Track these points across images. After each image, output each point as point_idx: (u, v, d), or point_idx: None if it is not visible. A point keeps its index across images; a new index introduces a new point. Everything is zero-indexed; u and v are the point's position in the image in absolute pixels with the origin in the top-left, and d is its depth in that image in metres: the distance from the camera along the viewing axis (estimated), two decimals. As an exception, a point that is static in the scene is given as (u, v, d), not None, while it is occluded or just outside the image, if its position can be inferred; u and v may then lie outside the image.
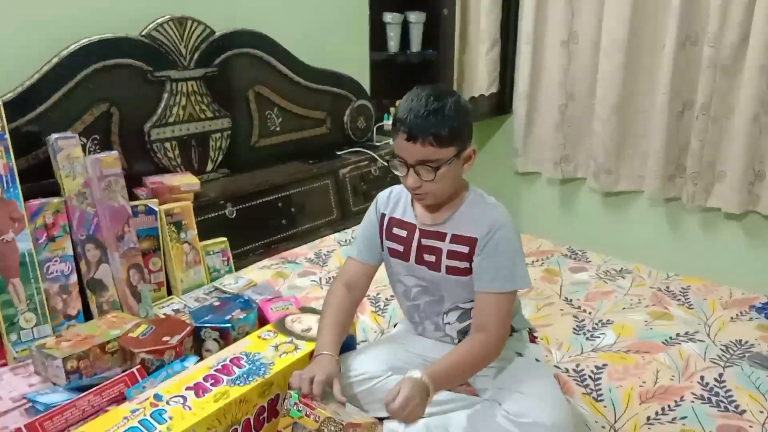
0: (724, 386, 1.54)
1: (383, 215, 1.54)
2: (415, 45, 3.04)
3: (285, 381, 1.37)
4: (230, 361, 1.40)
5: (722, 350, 1.68)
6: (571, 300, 1.99)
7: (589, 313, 1.90)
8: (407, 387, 1.30)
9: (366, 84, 2.95)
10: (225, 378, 1.34)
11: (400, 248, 1.51)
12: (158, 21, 2.16)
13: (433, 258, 1.46)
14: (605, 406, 1.49)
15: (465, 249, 1.42)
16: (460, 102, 1.36)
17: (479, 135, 3.40)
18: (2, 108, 1.73)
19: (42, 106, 1.94)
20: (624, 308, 1.92)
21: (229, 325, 1.64)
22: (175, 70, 2.23)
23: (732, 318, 1.85)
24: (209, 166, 2.40)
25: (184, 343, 1.56)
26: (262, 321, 1.75)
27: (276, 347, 1.46)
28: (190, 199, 2.14)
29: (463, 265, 1.43)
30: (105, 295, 1.87)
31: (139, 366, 1.47)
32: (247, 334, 1.61)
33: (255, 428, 1.35)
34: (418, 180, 1.36)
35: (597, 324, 1.83)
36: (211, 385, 1.31)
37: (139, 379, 1.43)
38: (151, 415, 1.22)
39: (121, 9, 2.13)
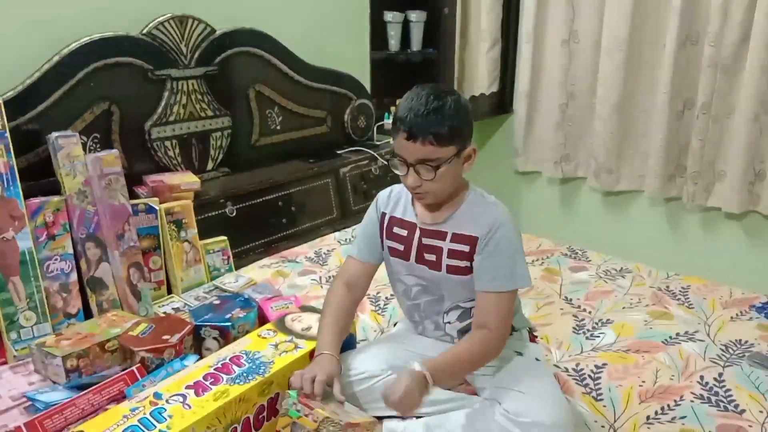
0: (724, 386, 1.54)
1: (383, 214, 1.54)
2: (416, 44, 3.04)
3: (285, 380, 1.37)
4: (230, 359, 1.40)
5: (722, 350, 1.68)
6: (571, 299, 1.99)
7: (589, 312, 1.90)
8: (406, 378, 1.30)
9: (366, 83, 2.95)
10: (225, 377, 1.34)
11: (401, 247, 1.51)
12: (159, 19, 2.16)
13: (433, 257, 1.46)
14: (605, 406, 1.50)
15: (465, 248, 1.42)
16: (460, 101, 1.35)
17: (479, 134, 3.40)
18: (3, 106, 1.73)
19: (42, 105, 1.94)
20: (624, 308, 1.92)
21: (229, 323, 1.64)
22: (175, 68, 2.23)
23: (732, 318, 1.85)
24: (209, 165, 2.40)
25: (184, 342, 1.56)
26: (262, 320, 1.75)
27: (276, 346, 1.46)
28: (191, 198, 2.15)
29: (464, 264, 1.43)
30: (105, 294, 1.87)
31: (138, 364, 1.47)
32: (247, 332, 1.61)
33: (255, 427, 1.35)
34: (418, 179, 1.36)
35: (597, 323, 1.83)
36: (210, 383, 1.31)
37: (139, 377, 1.43)
38: (150, 413, 1.22)
39: (121, 7, 2.13)
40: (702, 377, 1.57)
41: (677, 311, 1.89)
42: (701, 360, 1.64)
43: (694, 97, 2.62)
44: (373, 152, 2.78)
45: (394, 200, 1.54)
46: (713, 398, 1.49)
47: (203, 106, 2.32)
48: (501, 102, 3.31)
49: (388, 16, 2.95)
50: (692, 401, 1.48)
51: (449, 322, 1.52)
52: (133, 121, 2.17)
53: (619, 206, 3.05)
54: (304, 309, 1.69)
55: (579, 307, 1.94)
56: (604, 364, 1.62)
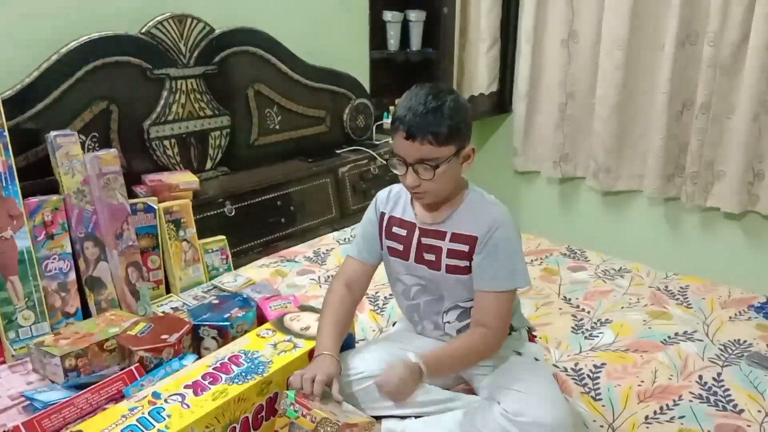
0: (723, 385, 1.54)
1: (383, 214, 1.54)
2: (415, 43, 3.03)
3: (283, 379, 1.37)
4: (229, 359, 1.40)
5: (721, 349, 1.68)
6: (569, 299, 1.99)
7: (588, 312, 1.90)
8: (401, 368, 1.31)
9: (366, 82, 2.95)
10: (223, 376, 1.34)
11: (400, 247, 1.51)
12: (158, 19, 2.16)
13: (432, 257, 1.46)
14: (603, 406, 1.50)
15: (465, 248, 1.42)
16: (459, 100, 1.35)
17: (479, 134, 3.41)
18: (1, 105, 1.73)
19: (41, 104, 1.94)
20: (623, 307, 1.92)
21: (227, 323, 1.64)
22: (174, 67, 2.22)
23: (730, 317, 1.85)
24: (208, 164, 2.40)
25: (183, 341, 1.56)
26: (261, 319, 1.75)
27: (274, 345, 1.46)
28: (189, 197, 2.14)
29: (463, 263, 1.43)
30: (103, 293, 1.87)
31: (137, 364, 1.46)
32: (246, 332, 1.61)
33: (253, 427, 1.35)
34: (417, 179, 1.36)
35: (596, 323, 1.83)
36: (209, 383, 1.31)
37: (138, 377, 1.42)
38: (149, 413, 1.22)
39: (120, 6, 2.13)
40: (701, 377, 1.57)
41: (676, 311, 1.90)
42: (700, 360, 1.64)
43: (694, 97, 2.62)
44: (372, 152, 2.78)
45: (394, 200, 1.54)
46: (712, 398, 1.49)
47: (202, 105, 2.32)
48: (500, 102, 3.31)
49: (388, 15, 2.94)
50: (691, 401, 1.48)
51: (448, 322, 1.52)
52: (132, 120, 2.17)
53: (618, 206, 3.05)
54: (303, 308, 1.69)
55: (578, 306, 1.94)
56: (603, 364, 1.62)
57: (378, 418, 1.42)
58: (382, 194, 1.57)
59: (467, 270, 1.43)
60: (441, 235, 1.45)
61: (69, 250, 1.82)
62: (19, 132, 1.86)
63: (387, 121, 2.98)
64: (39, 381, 1.55)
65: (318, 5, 2.73)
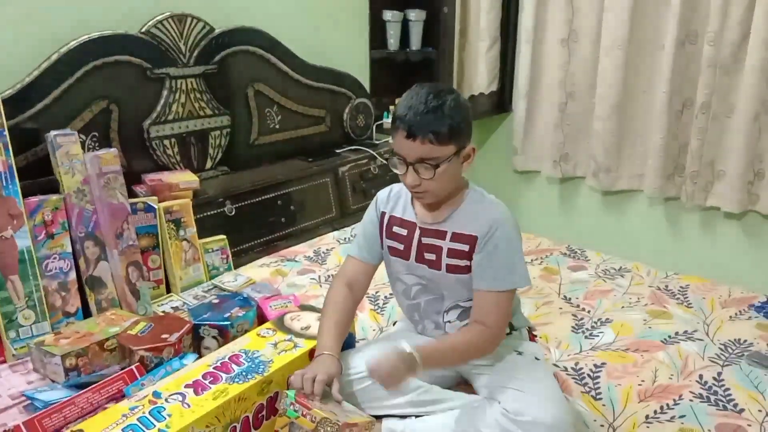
0: (723, 385, 1.54)
1: (383, 214, 1.54)
2: (415, 43, 3.03)
3: (284, 379, 1.37)
4: (229, 358, 1.40)
5: (721, 349, 1.69)
6: (570, 298, 1.99)
7: (588, 311, 1.90)
8: (394, 355, 1.31)
9: (366, 82, 2.95)
10: (224, 376, 1.34)
11: (401, 247, 1.51)
12: (158, 18, 2.16)
13: (433, 256, 1.46)
14: (604, 405, 1.50)
15: (465, 247, 1.42)
16: (459, 100, 1.35)
17: (478, 133, 3.40)
18: (1, 105, 1.73)
19: (41, 103, 1.94)
20: (623, 307, 1.93)
21: (228, 322, 1.64)
22: (174, 67, 2.22)
23: (731, 317, 1.85)
24: (208, 164, 2.40)
25: (183, 341, 1.56)
26: (261, 319, 1.75)
27: (275, 345, 1.46)
28: (189, 197, 2.14)
29: (464, 263, 1.43)
30: (104, 293, 1.87)
31: (137, 363, 1.46)
32: (246, 331, 1.61)
33: (254, 426, 1.35)
34: (418, 178, 1.36)
35: (596, 323, 1.83)
36: (210, 382, 1.31)
37: (138, 376, 1.42)
38: (149, 412, 1.22)
39: (120, 6, 2.12)
40: (701, 376, 1.57)
41: (676, 310, 1.90)
42: (700, 359, 1.64)
43: (694, 96, 2.62)
44: (372, 151, 2.78)
45: (394, 200, 1.54)
46: (712, 397, 1.49)
47: (202, 104, 2.32)
48: (500, 101, 3.31)
49: (388, 15, 2.94)
50: (691, 400, 1.48)
51: (449, 321, 1.52)
52: (132, 119, 2.17)
53: (618, 206, 3.05)
54: (303, 308, 1.69)
55: (578, 306, 1.94)
56: (603, 364, 1.62)
57: (378, 418, 1.42)
58: (382, 194, 1.57)
59: (467, 269, 1.43)
60: (441, 235, 1.45)
61: (69, 249, 1.82)
62: (19, 131, 1.86)
63: (387, 121, 2.99)
64: (39, 380, 1.55)
65: (318, 5, 2.73)
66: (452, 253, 1.43)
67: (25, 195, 1.75)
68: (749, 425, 1.41)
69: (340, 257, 2.23)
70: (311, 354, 1.43)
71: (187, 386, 1.30)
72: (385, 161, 2.73)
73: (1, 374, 1.59)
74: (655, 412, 1.46)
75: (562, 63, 2.97)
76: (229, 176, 2.44)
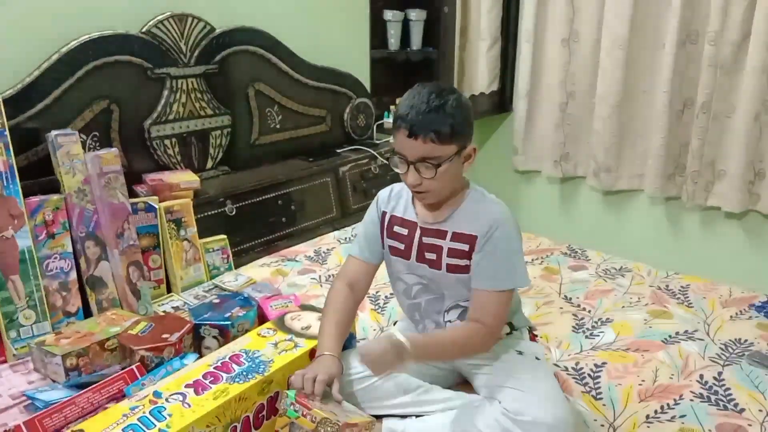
0: (723, 385, 1.54)
1: (384, 213, 1.54)
2: (416, 43, 3.03)
3: (284, 378, 1.37)
4: (230, 358, 1.40)
5: (721, 349, 1.68)
6: (570, 298, 1.99)
7: (589, 311, 1.90)
8: (385, 342, 1.31)
9: (366, 82, 2.95)
10: (224, 375, 1.34)
11: (401, 246, 1.51)
12: (158, 18, 2.16)
13: (433, 256, 1.46)
14: (604, 405, 1.50)
15: (465, 247, 1.42)
16: (461, 100, 1.35)
17: (479, 133, 3.40)
18: (2, 105, 1.73)
19: (42, 103, 1.94)
20: (623, 307, 1.93)
21: (228, 322, 1.64)
22: (175, 67, 2.22)
23: (731, 317, 1.85)
24: (209, 164, 2.40)
25: (184, 341, 1.56)
26: (262, 318, 1.75)
27: (275, 345, 1.46)
28: (190, 197, 2.15)
29: (464, 262, 1.43)
30: (104, 293, 1.87)
31: (138, 363, 1.46)
32: (247, 331, 1.61)
33: (254, 426, 1.35)
34: (419, 177, 1.36)
35: (596, 322, 1.83)
36: (210, 382, 1.31)
37: (139, 376, 1.43)
38: (150, 412, 1.22)
39: (121, 6, 2.12)
40: (701, 376, 1.57)
41: (677, 310, 1.90)
42: (701, 359, 1.64)
43: (694, 96, 2.62)
44: (372, 151, 2.78)
45: (395, 199, 1.54)
46: (713, 397, 1.49)
47: (203, 104, 2.32)
48: (501, 101, 3.31)
49: (388, 14, 2.94)
50: (692, 400, 1.48)
51: (450, 321, 1.52)
52: (133, 119, 2.17)
53: (618, 205, 3.05)
54: (304, 308, 1.69)
55: (579, 306, 1.94)
56: (604, 363, 1.62)
57: (378, 418, 1.42)
58: (383, 193, 1.57)
59: (468, 269, 1.43)
60: (442, 234, 1.45)
61: (70, 249, 1.82)
62: (19, 131, 1.86)
63: (387, 121, 2.99)
64: (40, 380, 1.56)
65: (318, 4, 2.73)
66: (452, 252, 1.43)
67: (25, 195, 1.75)
68: (750, 425, 1.41)
69: (340, 257, 2.23)
70: (312, 354, 1.43)
71: (187, 386, 1.30)
72: (385, 161, 2.73)
73: (2, 374, 1.59)
74: (656, 411, 1.46)
75: (562, 63, 2.97)
76: (229, 176, 2.44)
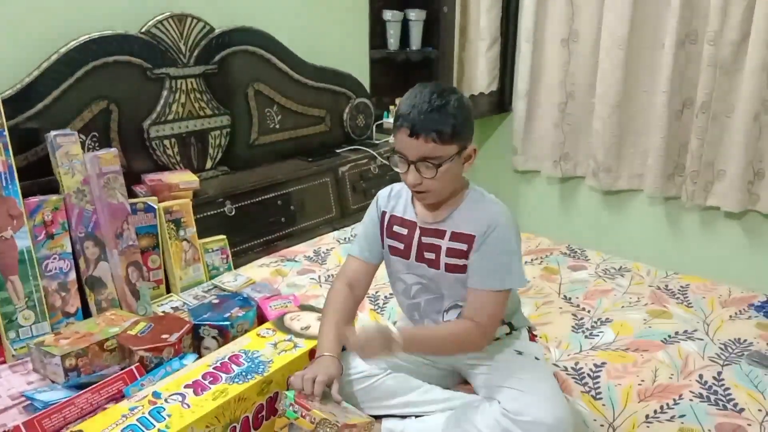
0: (723, 384, 1.54)
1: (384, 213, 1.54)
2: (415, 43, 3.03)
3: (284, 379, 1.37)
4: (229, 359, 1.40)
5: (721, 348, 1.68)
6: (570, 298, 1.99)
7: (588, 311, 1.90)
8: (375, 329, 1.30)
9: (366, 82, 2.95)
10: (224, 376, 1.34)
11: (401, 246, 1.51)
12: (158, 18, 2.16)
13: (432, 255, 1.46)
14: (604, 405, 1.49)
15: (464, 247, 1.42)
16: (462, 100, 1.35)
17: (479, 133, 3.39)
18: (1, 105, 1.73)
19: (41, 103, 1.94)
20: (623, 306, 1.92)
21: (228, 322, 1.64)
22: (174, 67, 2.22)
23: (731, 316, 1.85)
24: (208, 164, 2.40)
25: (183, 341, 1.56)
26: (261, 319, 1.75)
27: (275, 345, 1.46)
28: (189, 197, 2.14)
29: (462, 262, 1.43)
30: (104, 293, 1.87)
31: (137, 364, 1.46)
32: (246, 331, 1.61)
33: (254, 426, 1.35)
34: (419, 177, 1.36)
35: (596, 322, 1.83)
36: (209, 383, 1.31)
37: (138, 376, 1.43)
38: (149, 412, 1.22)
39: (120, 6, 2.12)
40: (701, 376, 1.57)
41: (676, 310, 1.89)
42: (700, 359, 1.64)
43: (694, 96, 2.62)
44: (372, 151, 2.78)
45: (395, 199, 1.54)
46: (712, 397, 1.49)
47: (202, 104, 2.32)
48: (500, 101, 3.31)
49: (388, 14, 2.94)
50: (691, 400, 1.48)
51: (449, 321, 1.52)
52: (132, 119, 2.17)
53: (618, 205, 3.05)
54: (303, 308, 1.69)
55: (578, 306, 1.94)
56: (603, 363, 1.62)
57: (378, 418, 1.42)
58: (383, 193, 1.57)
59: (466, 269, 1.43)
60: (441, 234, 1.45)
61: (69, 249, 1.82)
62: (19, 131, 1.86)
63: (387, 121, 2.99)
64: (39, 381, 1.55)
65: (318, 4, 2.73)
66: (451, 252, 1.43)
67: (25, 195, 1.75)
68: (749, 425, 1.41)
69: (340, 257, 2.23)
70: (311, 354, 1.43)
71: (186, 386, 1.30)
72: (385, 161, 2.73)
73: (1, 374, 1.59)
74: (655, 411, 1.46)
75: (562, 63, 2.97)
76: (229, 176, 2.44)
